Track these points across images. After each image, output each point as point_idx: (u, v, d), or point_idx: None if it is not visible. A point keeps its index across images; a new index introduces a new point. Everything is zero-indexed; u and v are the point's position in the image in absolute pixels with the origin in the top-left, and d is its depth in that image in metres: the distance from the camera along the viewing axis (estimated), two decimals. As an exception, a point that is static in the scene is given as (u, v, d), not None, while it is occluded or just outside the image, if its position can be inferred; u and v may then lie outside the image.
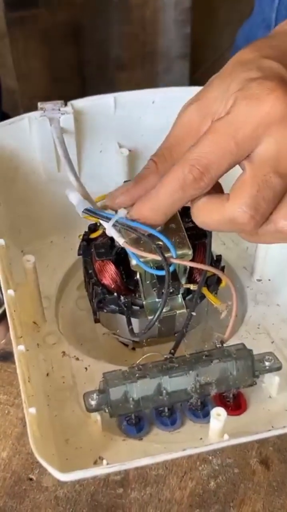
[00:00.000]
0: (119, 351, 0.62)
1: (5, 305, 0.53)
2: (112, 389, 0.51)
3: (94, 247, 0.58)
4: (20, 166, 0.66)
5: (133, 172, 0.69)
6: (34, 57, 1.20)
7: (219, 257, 0.60)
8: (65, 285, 0.67)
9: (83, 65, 1.26)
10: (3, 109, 1.04)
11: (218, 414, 0.48)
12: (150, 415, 0.54)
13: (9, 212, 0.65)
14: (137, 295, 0.56)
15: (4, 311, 0.61)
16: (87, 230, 0.60)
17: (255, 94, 0.43)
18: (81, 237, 0.60)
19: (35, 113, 0.64)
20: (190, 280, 0.57)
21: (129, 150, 0.68)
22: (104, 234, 0.57)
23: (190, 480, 0.54)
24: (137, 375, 0.51)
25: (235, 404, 0.55)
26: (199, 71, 1.34)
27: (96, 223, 0.58)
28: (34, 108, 0.64)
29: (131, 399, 0.51)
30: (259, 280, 0.67)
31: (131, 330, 0.56)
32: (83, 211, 0.52)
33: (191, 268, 0.56)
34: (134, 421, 0.53)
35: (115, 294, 0.56)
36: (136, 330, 0.57)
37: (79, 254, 0.60)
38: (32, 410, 0.47)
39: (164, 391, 0.51)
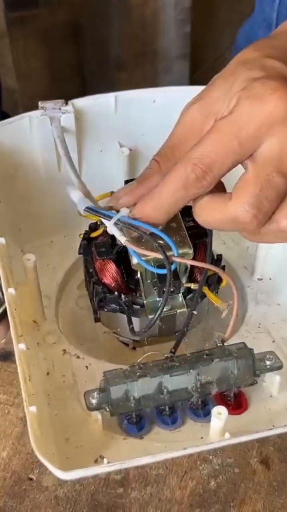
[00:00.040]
0: (120, 350, 0.62)
1: (6, 304, 0.53)
2: (113, 387, 0.51)
3: (95, 246, 0.58)
4: (21, 165, 0.65)
5: (134, 171, 0.69)
6: (34, 57, 1.20)
7: (219, 257, 0.60)
8: (65, 284, 0.67)
9: (83, 65, 1.26)
10: (3, 109, 1.05)
11: (219, 413, 0.48)
12: (151, 414, 0.54)
13: (9, 211, 0.65)
14: (137, 294, 0.56)
15: (4, 311, 0.61)
16: (87, 229, 0.60)
17: (258, 93, 0.43)
18: (81, 236, 0.60)
19: (36, 112, 0.63)
20: (191, 279, 0.57)
21: (130, 150, 0.68)
22: (104, 233, 0.57)
23: (191, 479, 0.54)
24: (138, 373, 0.51)
25: (236, 403, 0.55)
26: (199, 71, 1.34)
27: (96, 222, 0.58)
28: (34, 107, 0.64)
29: (132, 397, 0.51)
30: (260, 279, 0.67)
31: (132, 329, 0.56)
32: (84, 209, 0.52)
33: (192, 267, 0.56)
34: (135, 420, 0.53)
35: (116, 293, 0.56)
36: (136, 329, 0.57)
37: (79, 253, 0.60)
38: (33, 408, 0.47)
39: (165, 390, 0.51)
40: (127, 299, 0.56)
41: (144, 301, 0.56)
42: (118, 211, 0.50)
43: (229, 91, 0.45)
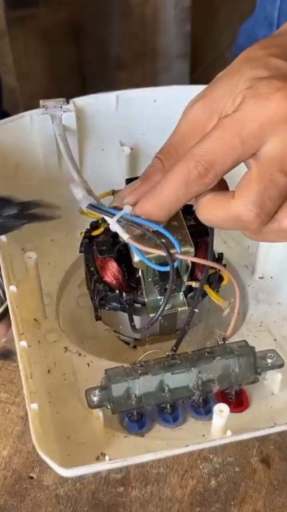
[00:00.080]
0: (120, 349, 0.61)
1: (7, 301, 0.53)
2: (114, 385, 0.51)
3: (96, 244, 0.58)
4: (21, 163, 0.65)
5: (134, 170, 0.69)
6: (34, 56, 1.20)
7: (220, 255, 0.60)
8: (66, 282, 0.66)
9: (83, 64, 1.26)
10: (4, 108, 1.05)
11: (221, 410, 0.48)
12: (152, 412, 0.54)
13: (10, 209, 0.65)
14: (139, 293, 0.56)
15: (4, 310, 0.61)
16: (88, 227, 0.60)
17: (263, 93, 0.43)
18: (83, 234, 0.60)
19: (37, 110, 0.64)
20: (192, 277, 0.57)
21: (131, 148, 0.68)
22: (106, 231, 0.57)
23: (191, 478, 0.54)
24: (139, 371, 0.51)
25: (237, 401, 0.55)
26: (199, 70, 1.34)
27: (98, 220, 0.58)
28: (34, 107, 0.64)
29: (133, 395, 0.51)
30: (261, 278, 0.67)
31: (133, 326, 0.56)
32: (87, 206, 0.52)
33: (193, 266, 0.56)
34: (136, 418, 0.53)
35: (117, 291, 0.56)
36: (138, 327, 0.57)
37: (80, 252, 0.60)
38: (34, 406, 0.47)
39: (166, 388, 0.51)
40: (128, 297, 0.56)
41: (145, 300, 0.56)
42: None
43: (233, 90, 0.45)
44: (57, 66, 1.24)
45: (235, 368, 0.52)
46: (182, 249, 0.52)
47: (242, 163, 0.45)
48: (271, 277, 0.67)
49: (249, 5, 0.99)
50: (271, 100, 0.43)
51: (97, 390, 0.51)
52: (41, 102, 0.64)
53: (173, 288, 0.53)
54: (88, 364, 0.58)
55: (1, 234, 0.54)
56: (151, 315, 0.54)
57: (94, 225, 0.60)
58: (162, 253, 0.50)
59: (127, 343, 0.62)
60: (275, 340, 0.61)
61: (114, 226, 0.50)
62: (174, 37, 1.26)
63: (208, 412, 0.53)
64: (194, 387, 0.52)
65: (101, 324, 0.61)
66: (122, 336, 0.61)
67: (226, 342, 0.54)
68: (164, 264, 0.50)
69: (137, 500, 0.53)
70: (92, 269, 0.58)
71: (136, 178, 0.51)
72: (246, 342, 0.54)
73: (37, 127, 0.64)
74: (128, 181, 0.56)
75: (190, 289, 0.56)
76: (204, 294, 0.56)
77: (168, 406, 0.54)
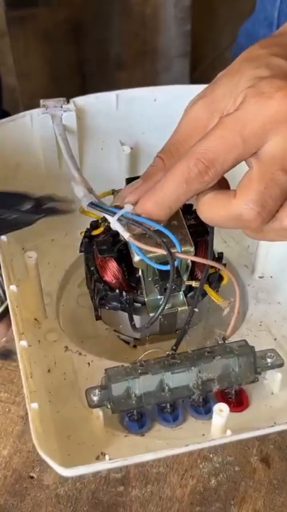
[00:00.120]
0: (120, 349, 0.61)
1: (8, 301, 0.53)
2: (114, 385, 0.51)
3: (96, 243, 0.58)
4: (22, 162, 0.66)
5: (135, 169, 0.69)
6: (35, 56, 1.20)
7: (220, 255, 0.60)
8: (66, 282, 0.66)
9: (83, 64, 1.27)
10: (4, 108, 1.05)
11: (221, 410, 0.48)
12: (152, 411, 0.54)
13: (10, 208, 0.65)
14: (139, 292, 0.56)
15: (4, 310, 0.61)
16: (88, 227, 0.60)
17: (265, 92, 0.43)
18: (83, 234, 0.60)
19: (37, 110, 0.64)
20: (192, 277, 0.57)
21: (131, 148, 0.68)
22: (106, 231, 0.57)
23: (191, 478, 0.54)
24: (139, 371, 0.51)
25: (237, 401, 0.55)
26: (199, 70, 1.34)
27: (98, 220, 0.58)
28: (34, 106, 0.64)
29: (133, 395, 0.51)
30: (261, 277, 0.67)
31: (133, 325, 0.56)
32: (88, 205, 0.52)
33: (193, 265, 0.56)
34: (136, 417, 0.53)
35: (117, 291, 0.56)
36: (138, 327, 0.57)
37: (81, 251, 0.60)
38: (35, 405, 0.47)
39: (166, 387, 0.51)
40: (128, 297, 0.56)
41: (145, 299, 0.56)
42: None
43: (234, 89, 0.45)
44: (57, 66, 1.24)
45: (235, 367, 0.52)
46: (182, 249, 0.52)
47: (243, 162, 0.45)
48: (271, 277, 0.67)
49: (249, 4, 0.99)
50: (272, 99, 0.43)
51: (97, 390, 0.51)
52: (42, 101, 0.64)
53: (173, 287, 0.53)
54: (88, 363, 0.58)
55: (20, 229, 0.54)
56: (151, 314, 0.54)
57: (94, 225, 0.60)
58: (163, 252, 0.50)
59: (127, 343, 0.62)
60: (275, 339, 0.61)
61: (115, 225, 0.50)
62: (174, 36, 1.26)
63: (208, 412, 0.53)
64: (194, 387, 0.52)
65: (101, 324, 0.61)
66: (122, 335, 0.61)
67: (226, 341, 0.54)
68: (165, 263, 0.50)
69: (137, 500, 0.53)
70: (92, 268, 0.58)
71: (136, 177, 0.51)
72: (246, 341, 0.54)
73: (38, 126, 0.64)
74: (128, 180, 0.56)
75: (190, 288, 0.56)
76: (204, 294, 0.56)
77: (168, 406, 0.54)
